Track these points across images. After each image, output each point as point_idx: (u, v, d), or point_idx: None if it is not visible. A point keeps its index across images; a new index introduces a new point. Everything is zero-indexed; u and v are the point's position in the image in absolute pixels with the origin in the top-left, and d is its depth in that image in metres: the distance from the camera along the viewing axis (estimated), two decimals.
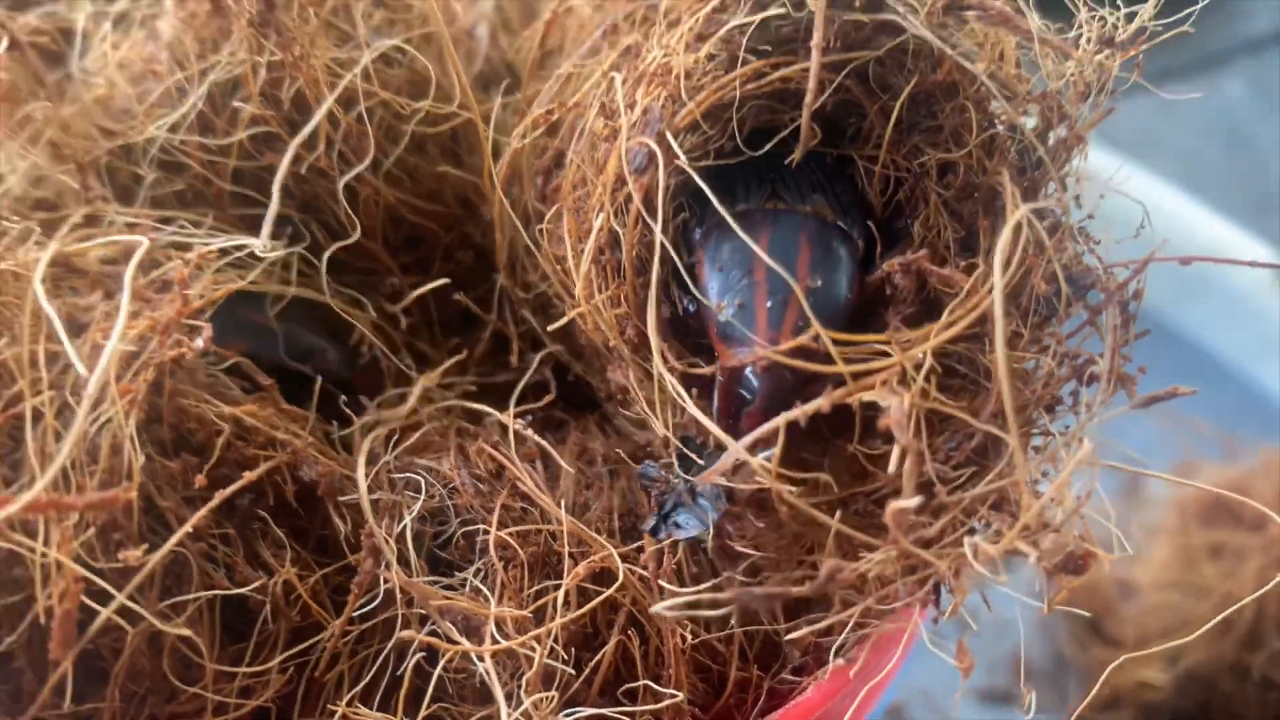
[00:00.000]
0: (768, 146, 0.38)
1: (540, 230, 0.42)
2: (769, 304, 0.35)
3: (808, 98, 0.36)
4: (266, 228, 0.38)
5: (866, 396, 0.32)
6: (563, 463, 0.41)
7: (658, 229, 0.35)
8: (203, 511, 0.35)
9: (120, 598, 0.32)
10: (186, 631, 0.35)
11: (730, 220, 0.34)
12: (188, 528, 0.34)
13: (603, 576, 0.40)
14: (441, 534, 0.40)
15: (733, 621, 0.42)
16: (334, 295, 0.43)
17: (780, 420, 0.32)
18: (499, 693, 0.35)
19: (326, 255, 0.43)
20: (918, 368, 0.34)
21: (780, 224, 0.37)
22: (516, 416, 0.42)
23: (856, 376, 0.33)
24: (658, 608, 0.33)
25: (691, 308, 0.38)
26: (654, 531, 0.39)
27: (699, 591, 0.34)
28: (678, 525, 0.39)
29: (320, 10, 0.42)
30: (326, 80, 0.41)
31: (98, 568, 0.34)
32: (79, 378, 0.36)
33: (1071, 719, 0.46)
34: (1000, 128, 0.39)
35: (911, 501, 0.31)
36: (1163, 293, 0.70)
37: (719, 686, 0.42)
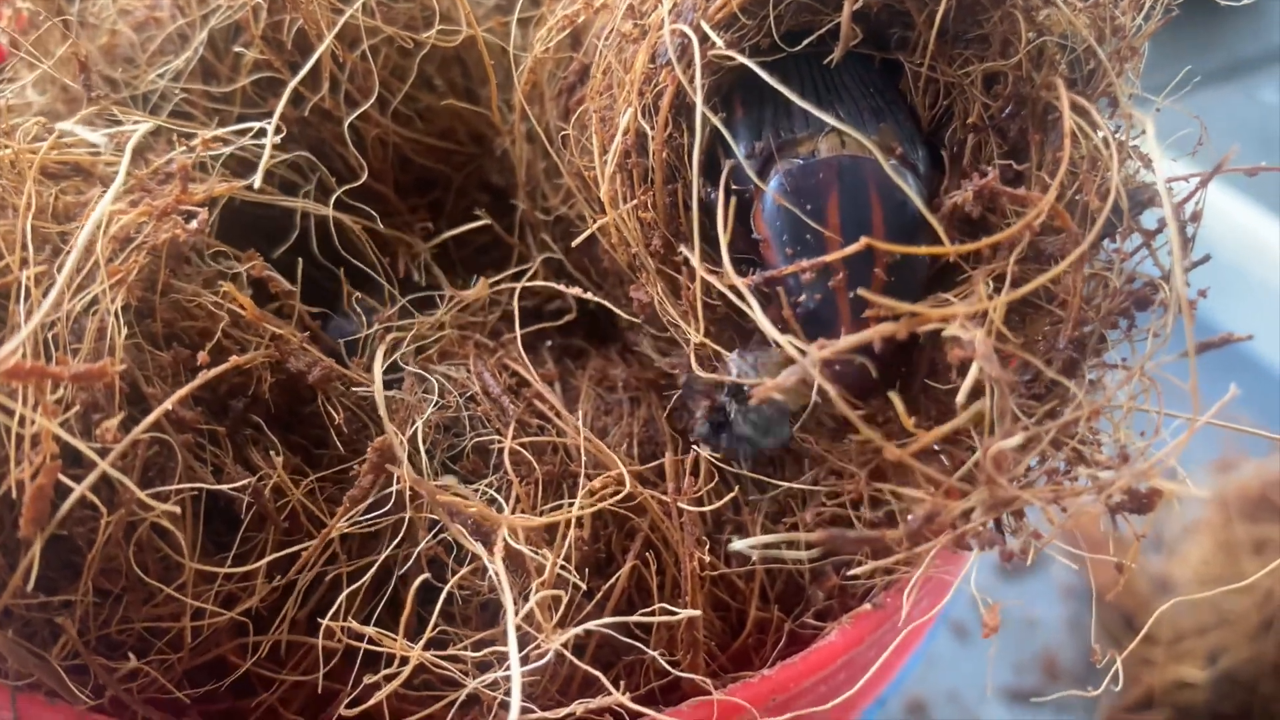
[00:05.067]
0: (806, 42, 0.36)
1: (563, 141, 0.40)
2: (851, 296, 0.33)
3: None
4: (275, 118, 0.36)
5: (946, 331, 0.29)
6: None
7: (699, 116, 0.32)
8: (189, 387, 0.32)
9: (103, 465, 0.30)
10: (168, 512, 0.32)
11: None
12: (169, 404, 0.32)
13: (619, 500, 0.37)
14: (454, 447, 0.38)
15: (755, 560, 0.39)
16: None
17: (857, 338, 0.29)
18: (508, 599, 0.32)
19: (334, 198, 0.41)
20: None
21: (847, 177, 0.34)
22: (537, 339, 0.40)
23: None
24: (737, 545, 0.30)
25: (713, 195, 0.36)
26: (707, 438, 0.36)
27: (781, 537, 0.31)
28: (730, 436, 0.36)
29: None
30: (327, 18, 0.39)
31: (77, 449, 0.32)
32: (68, 259, 0.34)
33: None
34: (1049, 37, 0.36)
35: (1013, 441, 0.28)
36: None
37: (737, 626, 0.39)
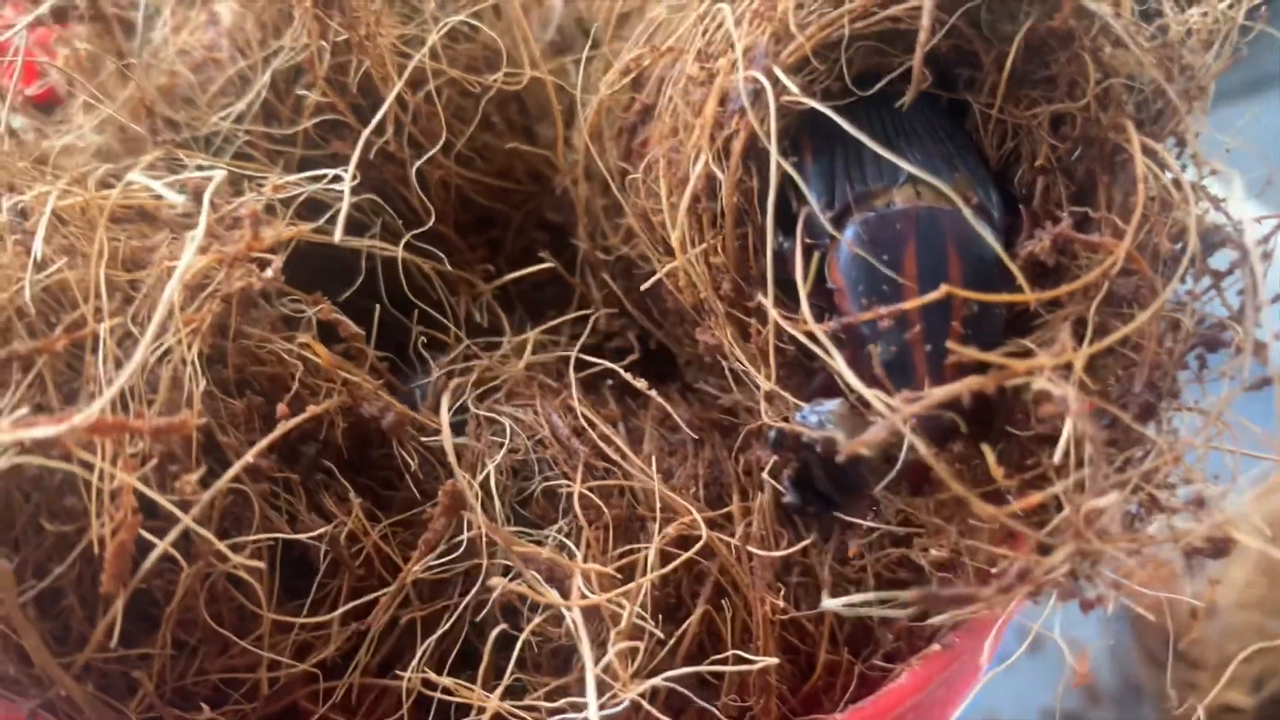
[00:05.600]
0: (879, 86, 0.36)
1: (626, 184, 0.40)
2: (928, 348, 0.33)
3: (920, 36, 0.34)
4: (351, 168, 0.35)
5: (1035, 385, 0.29)
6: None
7: (774, 163, 0.32)
8: (268, 440, 0.32)
9: (186, 520, 0.30)
10: (246, 565, 0.32)
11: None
12: (249, 458, 0.32)
13: (687, 544, 0.37)
14: (523, 490, 0.38)
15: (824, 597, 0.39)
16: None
17: (947, 392, 0.29)
18: (586, 649, 0.32)
19: (403, 242, 0.40)
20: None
21: (924, 228, 0.34)
22: (598, 376, 0.40)
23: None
24: (830, 604, 0.30)
25: (787, 245, 0.36)
26: (798, 509, 0.36)
27: (879, 595, 0.31)
28: (816, 498, 0.36)
29: None
30: (394, 61, 0.39)
31: (154, 500, 0.31)
32: (141, 307, 0.34)
33: None
34: (1117, 79, 0.36)
35: (1108, 500, 0.28)
36: None
37: (807, 669, 0.39)
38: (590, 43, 0.45)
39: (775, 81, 0.34)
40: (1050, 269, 0.36)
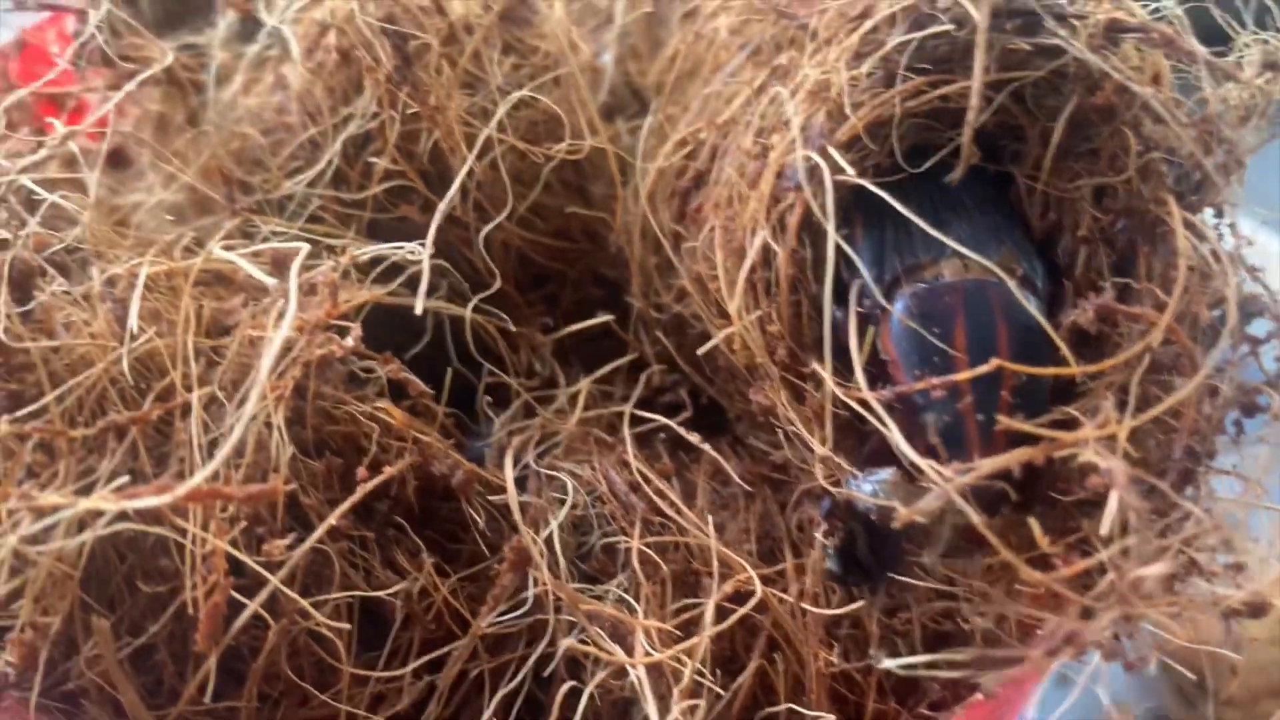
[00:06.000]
0: (929, 164, 0.37)
1: (679, 250, 0.41)
2: (979, 418, 0.34)
3: (969, 115, 0.36)
4: (429, 243, 0.37)
5: (1081, 457, 0.31)
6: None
7: (831, 239, 0.34)
8: (350, 503, 0.34)
9: (274, 582, 0.32)
10: (333, 627, 0.34)
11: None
12: (333, 520, 0.34)
13: (743, 600, 0.39)
14: (583, 545, 0.40)
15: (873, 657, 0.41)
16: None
17: (999, 463, 0.31)
18: (651, 707, 0.34)
19: (471, 305, 0.42)
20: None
21: (973, 301, 0.36)
22: (653, 432, 0.42)
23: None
24: (888, 663, 0.32)
25: (840, 315, 0.37)
26: (840, 577, 0.38)
27: (933, 657, 0.33)
28: (859, 568, 0.38)
29: (456, 64, 0.41)
30: (461, 132, 0.41)
31: (243, 561, 0.33)
32: (226, 373, 0.36)
33: None
34: (1157, 152, 0.38)
35: (1155, 569, 0.30)
36: None
37: (856, 718, 0.41)
38: (639, 109, 0.47)
39: (830, 160, 0.36)
40: (1093, 336, 0.38)
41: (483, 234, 0.40)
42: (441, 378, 0.41)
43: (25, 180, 0.35)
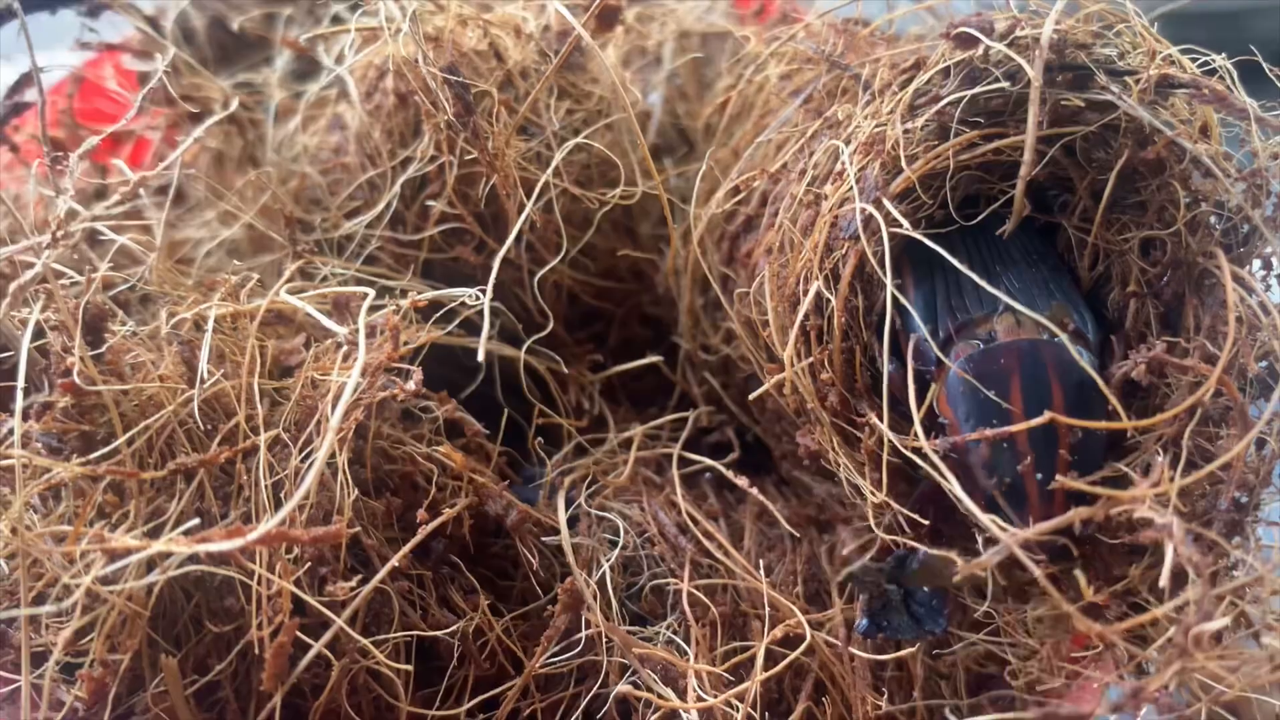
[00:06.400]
0: (983, 215, 0.38)
1: (732, 293, 0.42)
2: (1039, 476, 0.35)
3: (1023, 170, 0.37)
4: (489, 290, 0.38)
5: (1137, 514, 0.31)
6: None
7: (888, 291, 0.35)
8: (411, 544, 0.35)
9: (338, 623, 0.32)
10: (392, 666, 0.34)
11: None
12: (395, 561, 0.34)
13: (791, 642, 0.39)
14: (633, 585, 0.40)
15: (916, 694, 0.41)
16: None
17: (1061, 521, 0.31)
18: None
19: (525, 347, 0.43)
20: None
21: (1028, 361, 0.36)
22: (699, 472, 0.42)
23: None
24: None
25: (893, 368, 0.38)
26: (867, 632, 0.38)
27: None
28: (889, 626, 0.38)
29: (515, 110, 0.42)
30: (516, 177, 0.41)
31: (307, 601, 0.34)
32: (290, 416, 0.36)
33: None
34: (1205, 205, 0.38)
35: (1215, 625, 0.30)
36: None
37: None
38: (688, 151, 0.48)
39: (885, 212, 0.36)
40: (1142, 388, 0.38)
41: (537, 277, 0.41)
42: (492, 415, 0.42)
43: (100, 226, 0.35)
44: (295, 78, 0.47)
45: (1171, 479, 0.33)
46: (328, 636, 0.33)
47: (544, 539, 0.40)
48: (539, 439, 0.43)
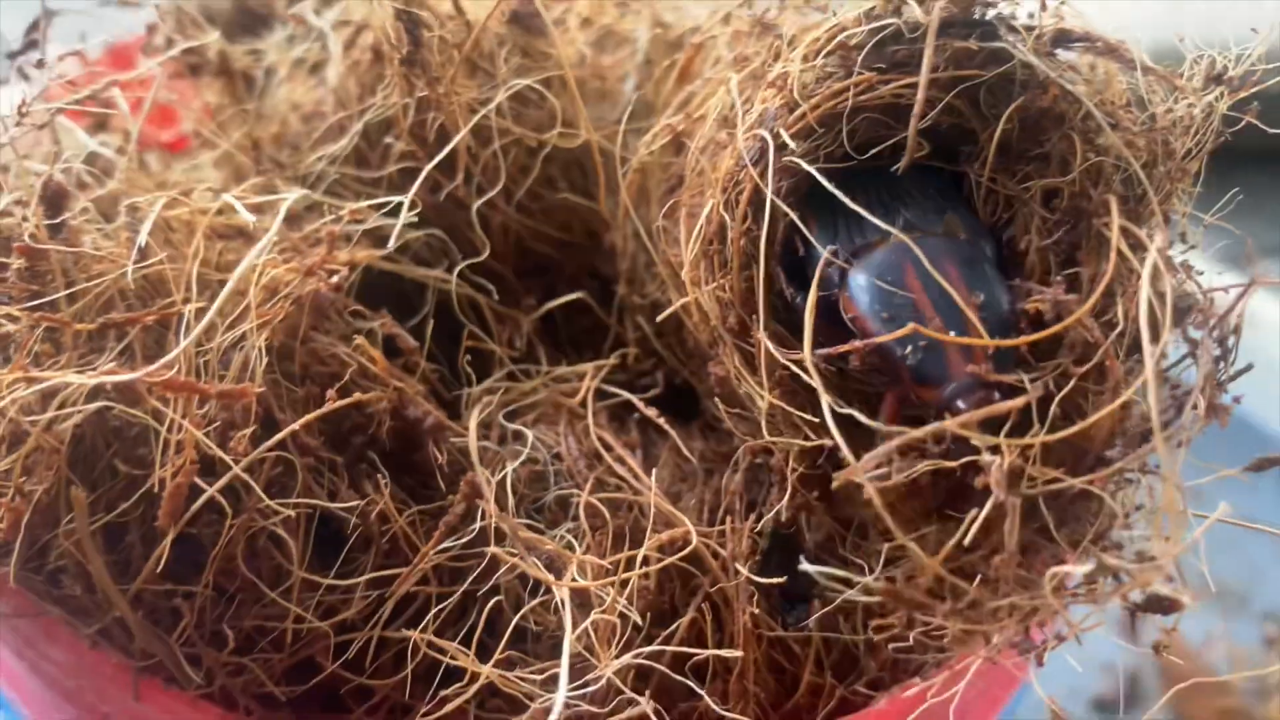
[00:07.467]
0: (875, 150, 0.40)
1: (655, 233, 0.45)
2: (952, 333, 0.36)
3: (917, 107, 0.39)
4: (410, 194, 0.41)
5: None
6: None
7: (769, 203, 0.37)
8: (317, 413, 0.38)
9: (236, 470, 0.35)
10: (283, 521, 0.37)
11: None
12: (297, 426, 0.37)
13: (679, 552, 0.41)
14: (538, 500, 0.42)
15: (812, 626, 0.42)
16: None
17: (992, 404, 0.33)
18: (568, 621, 0.36)
19: (458, 269, 0.46)
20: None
21: (919, 251, 0.37)
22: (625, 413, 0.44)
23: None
24: (806, 567, 0.33)
25: (800, 300, 0.39)
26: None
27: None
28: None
29: (462, 49, 0.45)
30: (466, 116, 0.45)
31: (213, 460, 0.37)
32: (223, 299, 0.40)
33: None
34: (1105, 159, 0.40)
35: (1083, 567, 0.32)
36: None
37: (791, 687, 0.42)
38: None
39: (778, 139, 0.39)
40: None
41: (475, 205, 0.44)
42: (434, 351, 0.45)
43: (68, 124, 0.40)
44: (296, 43, 0.51)
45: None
46: (224, 481, 0.36)
47: (455, 440, 0.42)
48: (468, 357, 0.45)
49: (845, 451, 0.32)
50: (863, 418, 0.33)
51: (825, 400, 0.35)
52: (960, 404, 0.34)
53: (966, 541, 0.32)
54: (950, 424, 0.32)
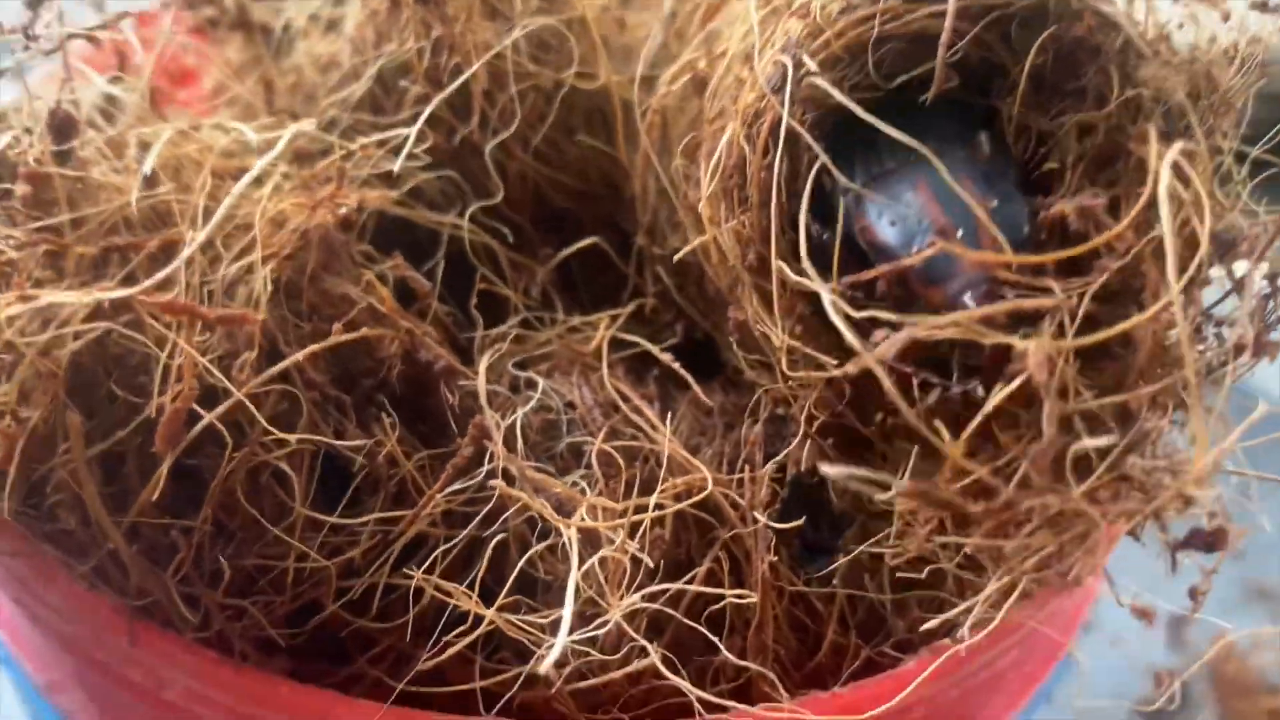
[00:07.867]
0: (902, 79, 0.38)
1: (675, 175, 0.43)
2: (960, 234, 0.35)
3: (944, 35, 0.37)
4: (416, 126, 0.40)
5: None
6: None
7: (783, 125, 0.36)
8: (323, 344, 0.37)
9: (238, 394, 0.34)
10: (287, 455, 0.36)
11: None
12: (300, 356, 0.36)
13: (704, 511, 0.39)
14: (550, 449, 0.41)
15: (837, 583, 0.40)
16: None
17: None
18: (574, 558, 0.34)
19: (470, 210, 0.45)
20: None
21: (934, 171, 0.35)
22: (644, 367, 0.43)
23: None
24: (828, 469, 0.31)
25: (826, 236, 0.38)
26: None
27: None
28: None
29: None
30: (482, 55, 0.44)
31: (215, 389, 0.36)
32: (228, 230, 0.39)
33: None
34: (1144, 91, 0.38)
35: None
36: None
37: (814, 647, 0.40)
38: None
39: (800, 65, 0.37)
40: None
41: (488, 147, 0.43)
42: (446, 295, 0.44)
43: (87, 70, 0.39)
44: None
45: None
46: (224, 407, 0.35)
47: (463, 383, 0.41)
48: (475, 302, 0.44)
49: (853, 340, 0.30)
50: (884, 314, 0.31)
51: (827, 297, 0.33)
52: (967, 299, 0.32)
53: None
54: (965, 315, 0.30)
